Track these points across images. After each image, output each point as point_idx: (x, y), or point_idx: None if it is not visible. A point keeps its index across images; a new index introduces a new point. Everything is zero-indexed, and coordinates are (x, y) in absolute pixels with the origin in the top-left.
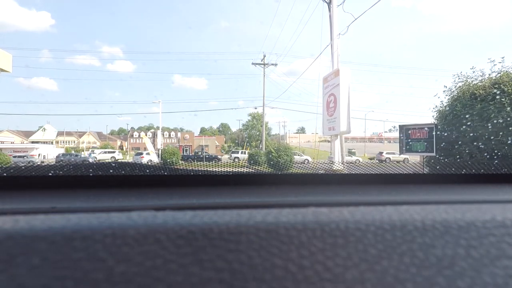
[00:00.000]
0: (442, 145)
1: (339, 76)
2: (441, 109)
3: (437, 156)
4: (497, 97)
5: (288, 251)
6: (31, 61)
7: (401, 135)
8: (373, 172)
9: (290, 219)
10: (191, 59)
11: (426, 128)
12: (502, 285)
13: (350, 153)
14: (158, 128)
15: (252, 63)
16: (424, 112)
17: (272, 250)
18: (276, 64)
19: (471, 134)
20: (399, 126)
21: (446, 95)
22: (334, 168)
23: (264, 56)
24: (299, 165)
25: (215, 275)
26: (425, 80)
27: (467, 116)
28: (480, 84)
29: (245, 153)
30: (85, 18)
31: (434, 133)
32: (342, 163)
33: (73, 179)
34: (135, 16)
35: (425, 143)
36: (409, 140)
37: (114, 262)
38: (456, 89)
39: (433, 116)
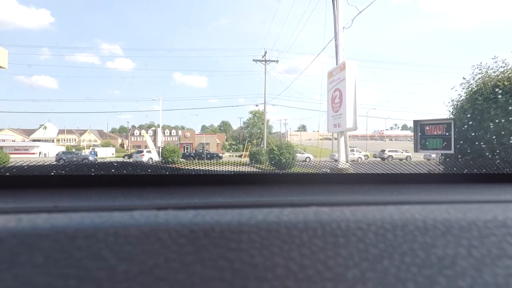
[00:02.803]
0: (460, 142)
1: (345, 70)
2: (459, 103)
3: (451, 154)
4: None
5: (290, 250)
6: (31, 59)
7: (416, 131)
8: (375, 172)
9: (292, 219)
10: (191, 56)
11: (443, 124)
12: (503, 284)
13: (351, 150)
14: (158, 126)
15: (253, 60)
16: (426, 109)
17: (274, 249)
18: (277, 61)
19: (494, 130)
20: (414, 121)
21: (464, 88)
22: (339, 167)
23: (265, 52)
24: (301, 163)
25: (216, 274)
26: (427, 77)
27: (489, 110)
28: (503, 75)
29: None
30: (85, 16)
31: (452, 129)
32: (347, 162)
33: (75, 179)
34: (134, 14)
35: (442, 140)
36: (425, 137)
37: (117, 261)
38: (475, 81)
39: (449, 111)
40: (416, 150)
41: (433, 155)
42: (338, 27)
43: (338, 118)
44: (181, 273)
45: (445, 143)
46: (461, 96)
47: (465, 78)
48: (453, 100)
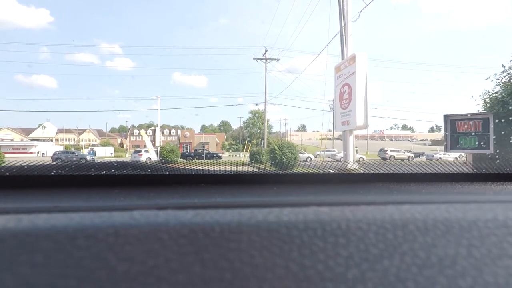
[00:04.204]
0: (497, 140)
1: (355, 63)
2: (496, 95)
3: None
4: None
5: (290, 250)
6: (31, 58)
7: (446, 128)
8: (375, 172)
9: (292, 219)
10: (191, 55)
11: (479, 119)
12: (503, 284)
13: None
14: (157, 125)
15: (254, 58)
16: (427, 109)
17: (274, 250)
18: (278, 59)
19: None
20: (444, 116)
21: (499, 79)
22: (347, 168)
23: (266, 51)
24: (302, 163)
25: (216, 274)
26: (428, 77)
27: None
28: None
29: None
30: (84, 15)
31: (491, 125)
32: (356, 162)
33: (75, 179)
34: (134, 14)
35: (478, 138)
36: (457, 135)
37: (117, 261)
38: None
39: (479, 105)
40: (446, 150)
41: (436, 155)
42: (347, 17)
43: (347, 115)
44: (181, 273)
45: (482, 141)
46: (500, 87)
47: (504, 66)
48: (487, 92)
